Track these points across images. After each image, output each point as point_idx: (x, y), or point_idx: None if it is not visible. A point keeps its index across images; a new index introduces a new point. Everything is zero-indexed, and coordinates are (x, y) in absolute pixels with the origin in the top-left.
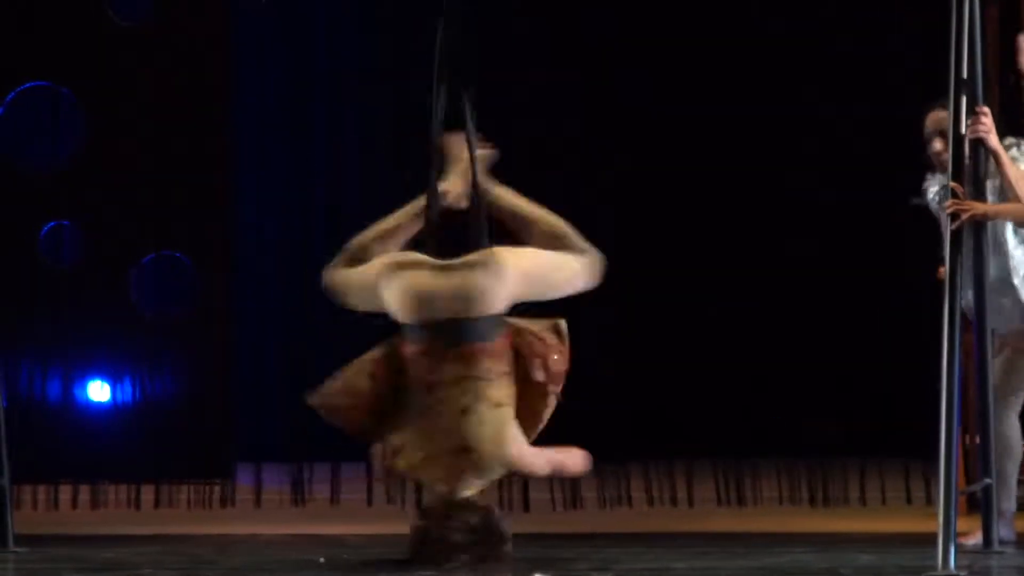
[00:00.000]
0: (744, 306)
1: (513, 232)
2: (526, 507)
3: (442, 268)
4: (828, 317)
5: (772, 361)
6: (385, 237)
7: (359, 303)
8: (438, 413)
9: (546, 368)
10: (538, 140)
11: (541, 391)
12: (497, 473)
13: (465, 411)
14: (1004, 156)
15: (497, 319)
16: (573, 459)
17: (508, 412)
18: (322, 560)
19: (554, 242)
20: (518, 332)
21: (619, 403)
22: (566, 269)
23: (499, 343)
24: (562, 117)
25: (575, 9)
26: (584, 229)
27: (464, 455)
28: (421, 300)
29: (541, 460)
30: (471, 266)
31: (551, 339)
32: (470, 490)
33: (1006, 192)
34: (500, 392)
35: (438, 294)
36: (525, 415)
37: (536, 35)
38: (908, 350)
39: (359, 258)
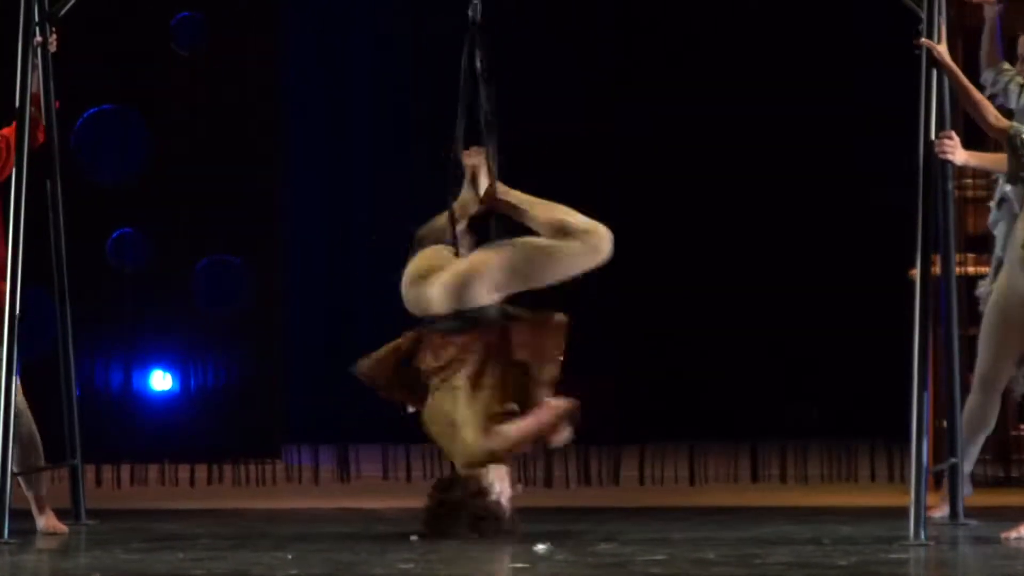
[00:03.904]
0: (731, 299)
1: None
2: (548, 483)
3: (439, 267)
4: (808, 313)
5: (761, 353)
6: (433, 234)
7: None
8: (433, 395)
9: (535, 354)
10: (537, 121)
11: (532, 375)
12: (481, 452)
13: (453, 392)
14: (974, 159)
15: (484, 310)
16: (552, 415)
17: (488, 395)
18: None
19: (557, 232)
20: (512, 320)
21: (625, 391)
22: (561, 255)
23: (485, 332)
24: (561, 100)
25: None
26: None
27: (454, 433)
28: (413, 295)
29: (519, 436)
30: (457, 265)
31: (546, 330)
32: (475, 466)
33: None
34: (485, 378)
35: (427, 291)
36: (523, 399)
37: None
38: (881, 343)
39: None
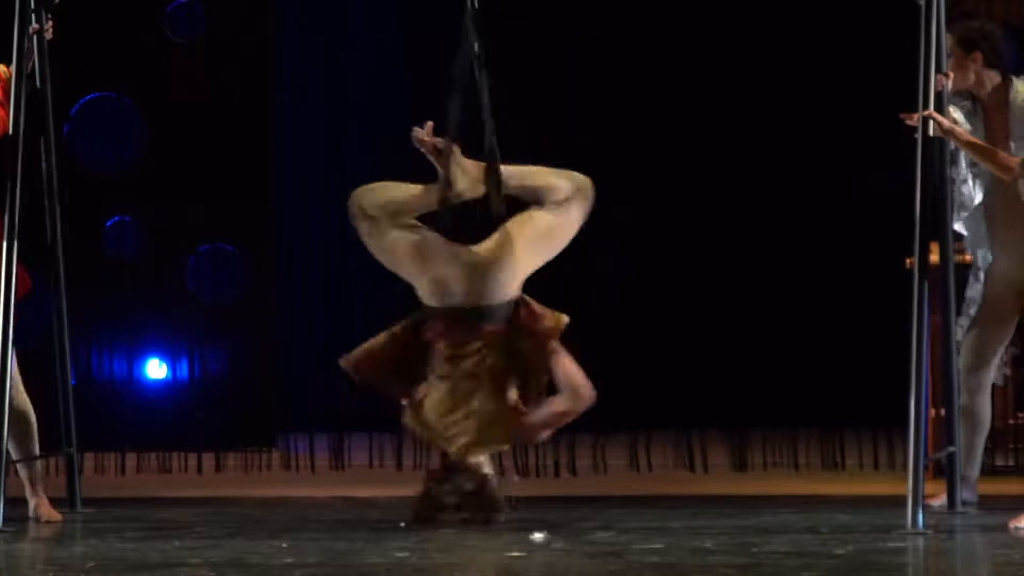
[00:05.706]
0: (733, 288)
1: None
2: (537, 472)
3: (464, 260)
4: (807, 301)
5: (760, 341)
6: (411, 208)
7: (379, 253)
8: (458, 381)
9: (532, 336)
10: (535, 111)
11: (531, 361)
12: (502, 441)
13: (471, 381)
14: (963, 139)
15: (511, 302)
16: (572, 402)
17: (505, 385)
18: None
19: (547, 196)
20: (522, 305)
21: (623, 379)
22: (565, 224)
23: (500, 324)
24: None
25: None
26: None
27: (471, 423)
28: (444, 290)
29: (540, 423)
30: (488, 260)
31: (546, 320)
32: (475, 456)
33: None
34: (501, 369)
35: (461, 287)
36: (528, 384)
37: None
38: (879, 332)
39: (390, 215)
